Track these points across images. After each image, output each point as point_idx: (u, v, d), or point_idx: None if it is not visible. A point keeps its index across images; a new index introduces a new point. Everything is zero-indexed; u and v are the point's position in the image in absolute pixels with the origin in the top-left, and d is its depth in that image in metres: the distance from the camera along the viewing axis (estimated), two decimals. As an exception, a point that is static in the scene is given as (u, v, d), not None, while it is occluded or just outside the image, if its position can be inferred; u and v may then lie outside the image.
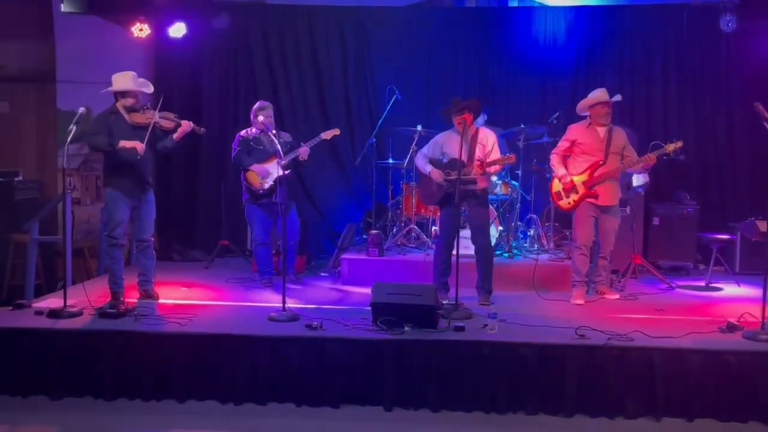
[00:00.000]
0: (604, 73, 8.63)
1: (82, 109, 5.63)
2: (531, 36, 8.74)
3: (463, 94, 7.03)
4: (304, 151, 6.78)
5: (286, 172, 6.72)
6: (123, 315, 5.56)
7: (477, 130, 6.36)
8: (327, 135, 6.99)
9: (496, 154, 6.25)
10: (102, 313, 5.56)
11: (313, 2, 8.85)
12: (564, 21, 8.70)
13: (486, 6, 9.08)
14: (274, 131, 6.43)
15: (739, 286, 7.21)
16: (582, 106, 6.50)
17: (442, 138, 6.46)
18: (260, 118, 6.67)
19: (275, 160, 6.66)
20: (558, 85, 8.65)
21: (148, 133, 5.85)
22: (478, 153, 6.24)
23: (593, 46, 8.71)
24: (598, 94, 6.39)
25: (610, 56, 8.69)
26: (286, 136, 7.00)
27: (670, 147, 6.18)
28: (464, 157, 6.08)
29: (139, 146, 5.76)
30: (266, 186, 6.77)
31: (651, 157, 6.22)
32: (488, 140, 6.32)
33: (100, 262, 7.80)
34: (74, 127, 5.56)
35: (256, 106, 6.87)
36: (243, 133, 6.92)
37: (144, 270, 6.28)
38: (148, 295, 6.27)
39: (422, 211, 7.80)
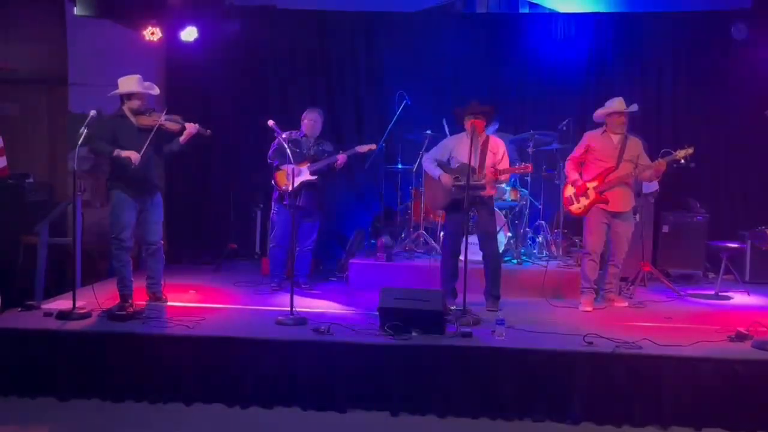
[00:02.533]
0: (614, 79, 8.63)
1: (93, 112, 5.67)
2: (541, 42, 8.75)
3: (473, 100, 7.02)
4: (342, 158, 6.85)
5: (314, 178, 6.83)
6: (131, 317, 5.58)
7: (488, 137, 6.37)
8: (362, 149, 7.00)
9: (505, 163, 6.26)
10: (110, 316, 5.58)
11: (324, 7, 8.87)
12: (574, 28, 8.72)
13: (496, 12, 9.09)
14: (282, 138, 6.41)
15: (749, 295, 7.17)
16: (599, 114, 6.52)
17: (452, 142, 6.47)
18: (311, 119, 6.89)
19: (307, 164, 6.79)
20: (568, 91, 8.64)
21: (151, 135, 5.86)
22: (488, 160, 6.25)
23: (603, 53, 8.70)
24: (615, 104, 6.41)
25: (621, 63, 8.68)
26: (328, 145, 7.07)
27: (681, 153, 6.17)
28: (474, 163, 6.09)
29: (134, 156, 5.75)
30: (290, 188, 6.66)
31: (661, 163, 6.23)
32: (498, 149, 6.34)
33: (109, 264, 7.82)
34: (85, 130, 5.59)
35: (307, 111, 7.00)
36: (285, 133, 6.74)
37: (152, 273, 6.30)
38: (156, 297, 6.29)
39: (431, 216, 7.80)
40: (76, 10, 7.79)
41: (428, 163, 6.51)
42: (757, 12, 8.01)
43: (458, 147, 6.33)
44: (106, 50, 8.26)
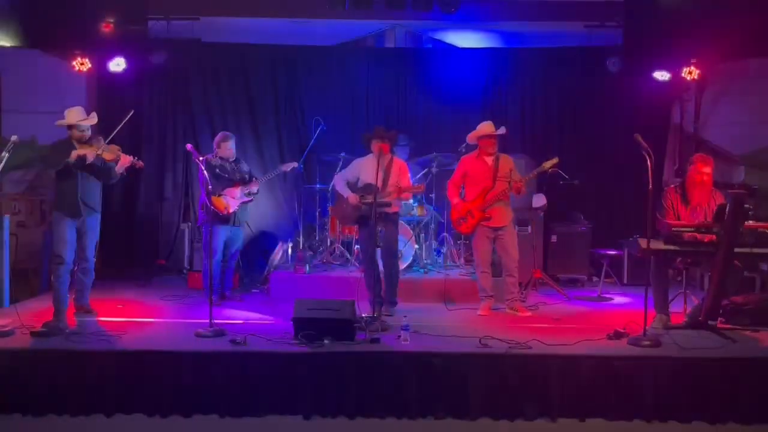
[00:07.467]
0: (507, 106, 8.67)
1: (14, 138, 5.33)
2: (443, 74, 8.71)
3: (383, 125, 6.92)
4: (255, 185, 6.80)
5: (249, 199, 6.75)
6: (54, 334, 5.19)
7: (392, 158, 6.28)
8: (286, 167, 7.02)
9: (406, 182, 6.15)
10: (33, 333, 5.18)
11: (246, 40, 8.64)
12: (472, 60, 8.72)
13: (403, 47, 9.06)
14: (200, 160, 6.16)
15: (626, 296, 7.23)
16: (471, 137, 6.45)
17: (360, 163, 6.35)
18: (225, 147, 6.65)
19: (239, 187, 6.65)
20: (468, 116, 8.50)
21: (89, 162, 5.69)
22: (392, 180, 6.15)
23: (497, 83, 8.74)
24: (485, 128, 6.33)
25: (513, 92, 8.74)
26: (244, 165, 6.91)
27: (548, 164, 6.18)
28: (379, 183, 5.98)
29: (90, 154, 5.63)
30: (230, 210, 6.59)
31: (520, 179, 6.19)
32: (401, 169, 6.26)
33: (42, 281, 7.40)
34: (6, 155, 5.24)
35: (219, 136, 6.75)
36: (210, 157, 6.61)
37: (80, 286, 6.05)
38: (84, 309, 6.01)
39: (346, 231, 7.63)
40: (2, 41, 7.31)
41: (339, 183, 6.39)
42: (627, 48, 8.18)
43: (366, 167, 6.22)
44: (37, 78, 7.84)
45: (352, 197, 6.15)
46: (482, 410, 4.76)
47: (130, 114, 5.92)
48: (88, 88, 8.17)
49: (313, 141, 7.82)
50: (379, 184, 5.97)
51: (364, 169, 6.21)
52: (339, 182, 6.37)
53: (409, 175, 6.29)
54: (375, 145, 6.10)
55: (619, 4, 8.22)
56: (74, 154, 5.62)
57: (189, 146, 5.68)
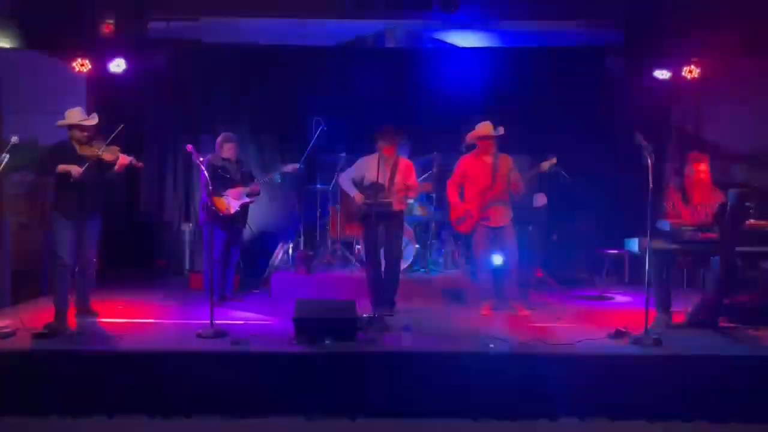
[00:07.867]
0: (508, 106, 8.63)
1: (14, 139, 5.34)
2: (443, 73, 8.68)
3: (384, 126, 6.90)
4: (257, 187, 6.86)
5: (250, 200, 6.77)
6: (55, 335, 5.20)
7: (398, 158, 6.29)
8: (288, 168, 7.04)
9: (412, 181, 6.16)
10: (35, 334, 5.18)
11: (247, 40, 8.63)
12: (472, 60, 8.70)
13: (404, 47, 9.04)
14: (200, 161, 6.17)
15: (628, 295, 7.23)
16: (470, 137, 6.45)
17: (365, 161, 6.36)
18: (227, 148, 6.68)
19: (240, 188, 6.68)
20: (468, 116, 8.49)
21: (89, 164, 5.69)
22: (398, 179, 6.15)
23: (498, 82, 8.71)
24: (483, 128, 6.34)
25: (513, 92, 8.70)
26: (246, 167, 6.97)
27: (546, 164, 6.20)
28: (384, 182, 5.99)
29: (75, 170, 5.58)
30: (232, 211, 6.61)
31: (519, 179, 6.19)
32: (407, 169, 6.28)
33: (43, 283, 7.40)
34: (7, 156, 5.24)
35: (221, 137, 6.78)
36: (210, 158, 6.63)
37: (81, 287, 6.04)
38: (85, 310, 6.00)
39: (347, 231, 7.64)
40: (1, 42, 7.31)
41: (345, 181, 6.41)
42: (627, 47, 8.17)
43: (370, 167, 6.23)
44: (37, 79, 7.82)
45: (358, 196, 6.19)
46: (483, 410, 4.74)
47: (120, 128, 5.84)
48: (88, 88, 8.15)
49: (313, 141, 7.81)
50: (386, 183, 5.99)
51: (369, 168, 6.23)
52: (344, 181, 6.40)
53: (415, 174, 6.30)
54: (379, 146, 6.12)
55: (619, 3, 8.21)
56: (60, 168, 5.58)
57: (189, 147, 5.69)
